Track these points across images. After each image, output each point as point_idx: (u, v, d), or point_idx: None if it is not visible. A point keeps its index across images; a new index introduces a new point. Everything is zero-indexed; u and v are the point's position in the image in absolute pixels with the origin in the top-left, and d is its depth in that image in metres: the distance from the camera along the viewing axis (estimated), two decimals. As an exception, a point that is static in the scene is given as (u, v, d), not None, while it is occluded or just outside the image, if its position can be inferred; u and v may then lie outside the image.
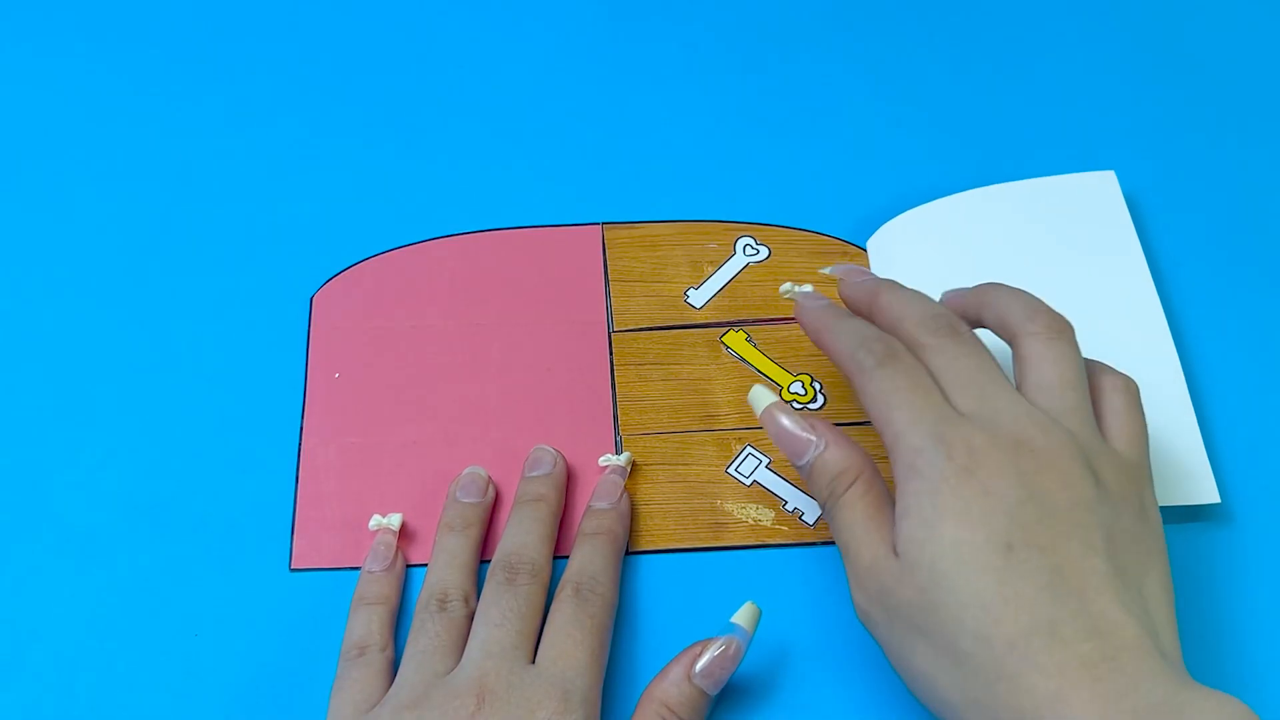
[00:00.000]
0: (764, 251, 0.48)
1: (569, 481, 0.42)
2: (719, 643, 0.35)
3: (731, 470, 0.43)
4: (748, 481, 0.42)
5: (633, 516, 0.41)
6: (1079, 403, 0.34)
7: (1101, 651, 0.29)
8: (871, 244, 0.48)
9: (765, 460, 0.43)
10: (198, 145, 0.51)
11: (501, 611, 0.36)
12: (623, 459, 0.42)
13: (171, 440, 0.44)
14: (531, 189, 0.50)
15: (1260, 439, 0.43)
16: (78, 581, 0.41)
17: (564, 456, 0.42)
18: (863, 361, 0.35)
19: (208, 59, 0.54)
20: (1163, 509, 0.35)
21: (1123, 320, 0.44)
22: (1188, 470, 0.40)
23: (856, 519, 0.34)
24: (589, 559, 0.38)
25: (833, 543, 0.41)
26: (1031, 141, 0.51)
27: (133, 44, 0.54)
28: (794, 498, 0.42)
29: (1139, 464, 0.34)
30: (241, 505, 0.42)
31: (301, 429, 0.44)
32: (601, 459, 0.42)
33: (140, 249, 0.48)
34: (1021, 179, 0.48)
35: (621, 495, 0.41)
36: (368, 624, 0.38)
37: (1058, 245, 0.46)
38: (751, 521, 0.42)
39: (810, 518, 0.41)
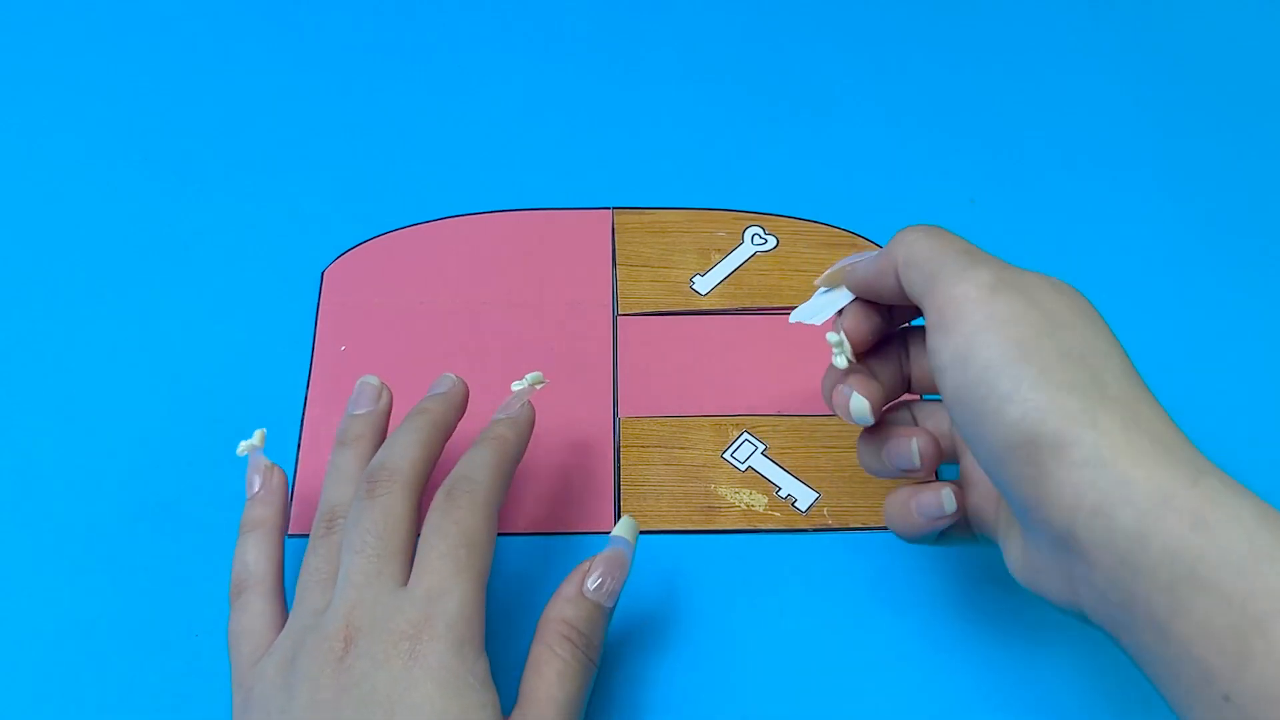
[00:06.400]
0: (772, 241, 0.48)
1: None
2: (602, 557, 0.35)
3: (727, 455, 0.43)
4: (742, 467, 0.42)
5: (529, 431, 0.39)
6: None
7: (1137, 398, 0.29)
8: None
9: (761, 446, 0.43)
10: (217, 118, 0.52)
11: (361, 534, 0.34)
12: (527, 381, 0.40)
13: (179, 407, 0.44)
14: (546, 173, 0.50)
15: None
16: (80, 532, 0.41)
17: (466, 383, 0.40)
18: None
19: (227, 35, 0.55)
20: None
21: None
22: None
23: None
24: (468, 461, 0.36)
25: (822, 530, 0.41)
26: (1036, 139, 0.51)
27: (148, 23, 0.55)
28: (787, 484, 0.42)
29: None
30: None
31: (306, 400, 0.45)
32: (513, 384, 0.40)
33: (157, 219, 0.49)
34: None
35: (521, 406, 0.39)
36: (243, 558, 0.37)
37: None
38: (744, 507, 0.42)
39: (803, 504, 0.41)
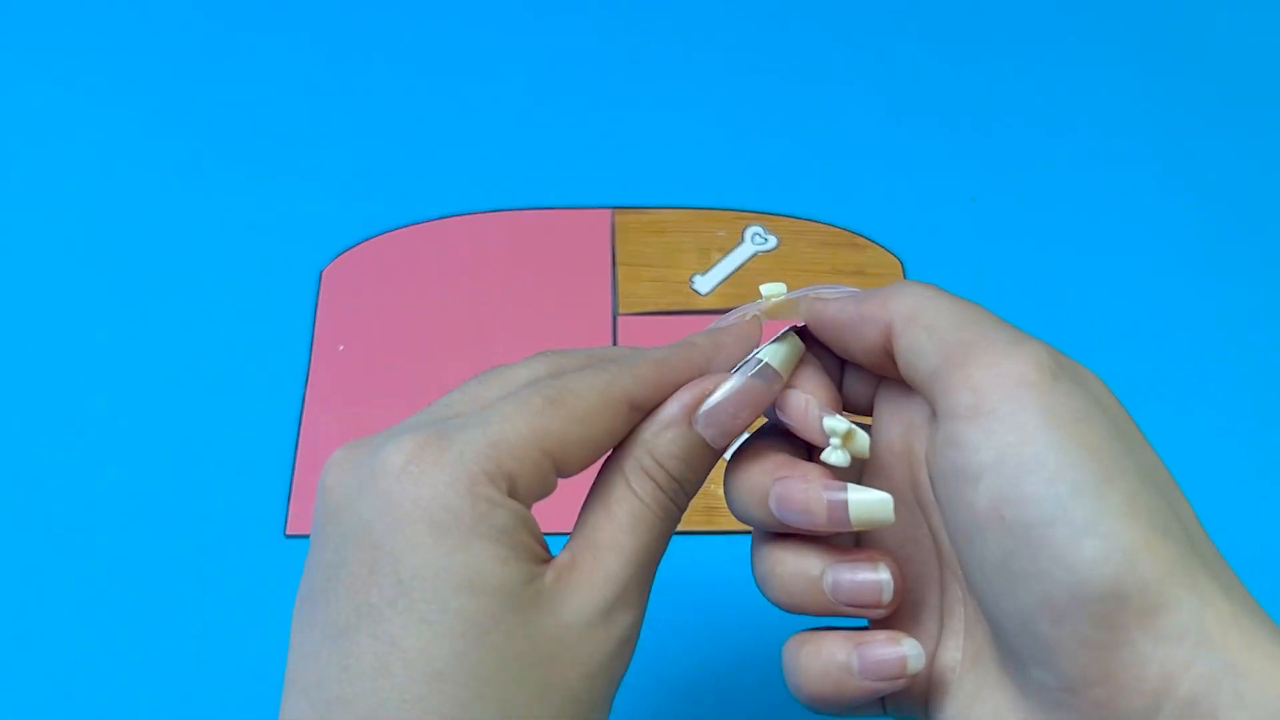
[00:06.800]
0: (772, 240, 0.48)
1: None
2: (733, 382, 0.25)
3: (727, 455, 0.43)
4: (743, 467, 0.42)
5: (737, 351, 0.27)
6: None
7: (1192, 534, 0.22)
8: None
9: (761, 446, 0.43)
10: (217, 117, 0.52)
11: (501, 369, 0.26)
12: (763, 293, 0.29)
13: (178, 405, 0.44)
14: (546, 173, 0.50)
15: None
16: (79, 532, 0.41)
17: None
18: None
19: (227, 35, 0.55)
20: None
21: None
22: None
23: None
24: (639, 348, 0.27)
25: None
26: (1036, 139, 0.51)
27: (148, 23, 0.55)
28: (788, 484, 0.42)
29: None
30: (242, 470, 0.43)
31: (304, 399, 0.44)
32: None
33: (157, 219, 0.49)
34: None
35: (738, 318, 0.28)
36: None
37: None
38: (744, 506, 0.41)
39: (803, 505, 0.41)
